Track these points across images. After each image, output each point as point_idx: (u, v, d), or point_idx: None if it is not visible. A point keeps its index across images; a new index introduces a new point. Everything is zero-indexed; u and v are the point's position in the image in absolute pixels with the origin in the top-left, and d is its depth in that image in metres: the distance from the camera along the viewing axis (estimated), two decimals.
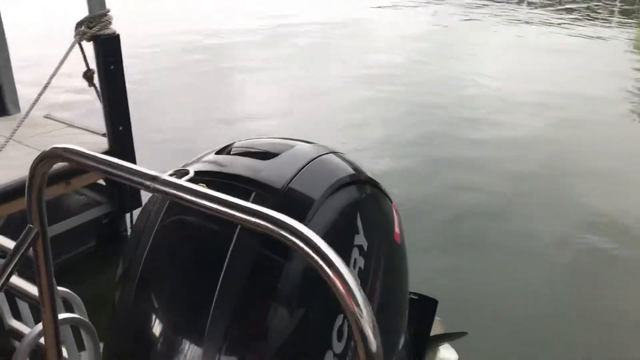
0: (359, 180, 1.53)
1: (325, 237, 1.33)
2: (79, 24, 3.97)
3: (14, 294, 2.25)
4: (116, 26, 4.17)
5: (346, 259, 1.40)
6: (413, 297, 2.29)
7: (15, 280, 2.18)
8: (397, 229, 1.67)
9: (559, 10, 14.96)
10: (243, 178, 1.36)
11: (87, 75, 4.29)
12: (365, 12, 14.31)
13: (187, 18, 13.56)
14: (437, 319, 3.38)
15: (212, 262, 1.30)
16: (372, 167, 5.80)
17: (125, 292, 1.40)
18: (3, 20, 5.31)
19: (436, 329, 3.25)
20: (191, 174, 1.16)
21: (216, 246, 1.31)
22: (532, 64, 10.20)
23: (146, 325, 1.34)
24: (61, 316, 1.98)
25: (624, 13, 14.92)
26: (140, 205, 4.77)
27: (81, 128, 5.16)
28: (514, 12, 14.58)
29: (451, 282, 4.31)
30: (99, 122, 4.74)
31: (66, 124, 5.32)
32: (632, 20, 14.14)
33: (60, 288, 2.26)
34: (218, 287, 1.27)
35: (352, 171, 1.52)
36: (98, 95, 4.45)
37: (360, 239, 1.44)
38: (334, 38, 11.99)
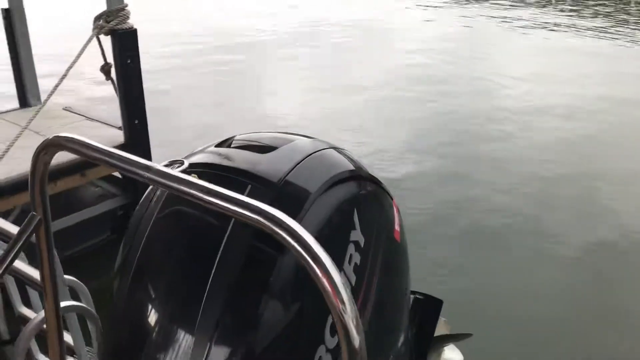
0: (358, 177, 1.52)
1: (319, 232, 1.35)
2: (97, 18, 4.02)
3: (23, 281, 2.29)
4: (134, 20, 4.22)
5: (341, 254, 1.40)
6: (418, 296, 2.28)
7: (25, 267, 2.21)
8: (397, 227, 1.66)
9: (586, 12, 14.70)
10: (239, 171, 1.37)
11: (105, 69, 4.34)
12: (389, 12, 14.22)
13: (205, 18, 13.64)
14: (442, 319, 3.37)
15: (206, 253, 1.31)
16: (394, 168, 5.82)
17: (122, 281, 1.42)
18: (26, 14, 5.41)
19: (441, 330, 3.23)
20: (185, 165, 1.18)
21: (210, 238, 1.32)
22: (561, 67, 10.04)
23: (141, 314, 1.36)
24: (64, 303, 2.02)
25: None
26: None
27: (99, 121, 5.23)
28: (541, 15, 14.34)
29: (462, 283, 4.29)
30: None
31: (84, 116, 5.40)
32: None
33: (67, 276, 2.30)
34: (211, 278, 1.28)
35: (351, 167, 1.52)
36: (115, 89, 4.51)
37: (356, 235, 1.43)
38: (362, 39, 11.93)
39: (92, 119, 5.28)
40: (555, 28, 12.93)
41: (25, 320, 2.61)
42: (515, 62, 10.44)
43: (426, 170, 6.29)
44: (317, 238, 0.99)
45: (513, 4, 15.33)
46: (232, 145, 1.51)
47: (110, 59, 4.37)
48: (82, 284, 2.36)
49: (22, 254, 2.35)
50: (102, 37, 4.17)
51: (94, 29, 4.01)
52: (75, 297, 2.36)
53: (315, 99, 8.47)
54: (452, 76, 9.41)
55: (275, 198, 1.32)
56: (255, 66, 10.30)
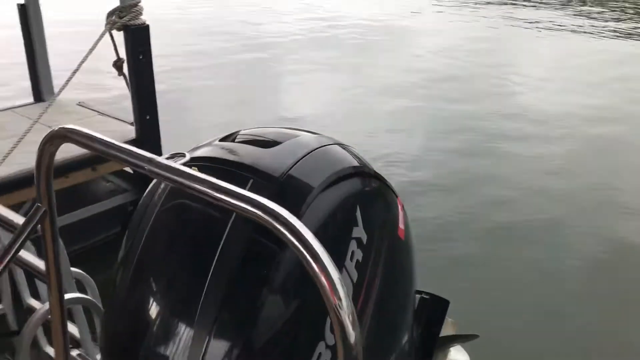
0: (362, 173, 1.51)
1: (321, 227, 1.34)
2: (110, 14, 4.05)
3: (31, 272, 2.31)
4: (146, 17, 4.24)
5: (343, 251, 1.39)
6: (424, 296, 2.27)
7: (33, 259, 2.23)
8: (401, 225, 1.65)
9: (608, 14, 14.42)
10: (242, 165, 1.37)
11: (117, 65, 4.37)
12: (407, 14, 14.12)
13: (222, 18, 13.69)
14: (449, 320, 3.35)
15: (207, 247, 1.31)
16: (405, 167, 5.79)
17: (124, 274, 1.43)
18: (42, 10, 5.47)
19: (448, 330, 3.21)
20: (187, 157, 1.18)
21: (211, 232, 1.32)
22: (585, 70, 9.79)
23: (141, 306, 1.37)
24: (70, 295, 2.03)
25: None
26: None
27: (111, 116, 5.27)
28: (565, 16, 14.09)
29: (470, 284, 4.27)
30: None
31: (97, 111, 5.44)
32: None
33: (74, 269, 2.32)
34: (211, 272, 1.28)
35: (355, 163, 1.51)
36: (127, 85, 4.53)
37: (359, 232, 1.43)
38: (380, 39, 11.86)
39: (105, 115, 5.32)
40: (579, 30, 12.68)
41: (32, 311, 2.63)
42: (539, 64, 10.25)
43: (438, 170, 6.27)
44: (318, 234, 0.98)
45: (534, 4, 15.14)
46: (236, 140, 1.50)
47: (122, 54, 4.39)
48: (89, 277, 2.38)
49: (31, 246, 2.38)
50: (114, 32, 4.19)
51: (106, 24, 4.04)
52: (82, 290, 2.38)
53: (332, 99, 8.44)
54: (471, 78, 9.29)
55: (277, 192, 1.31)
56: (275, 64, 10.30)
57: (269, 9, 14.36)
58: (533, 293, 4.22)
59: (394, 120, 7.69)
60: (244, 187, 1.06)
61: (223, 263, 1.28)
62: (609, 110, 8.03)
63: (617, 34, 12.41)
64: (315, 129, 1.63)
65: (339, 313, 0.94)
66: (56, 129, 1.37)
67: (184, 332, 1.28)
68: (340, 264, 1.36)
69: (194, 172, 1.08)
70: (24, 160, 4.02)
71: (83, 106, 5.60)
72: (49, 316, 1.91)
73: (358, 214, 1.43)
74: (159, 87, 4.67)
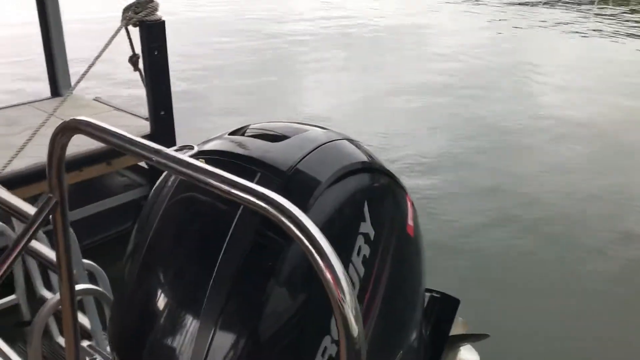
0: (371, 169, 1.51)
1: (328, 222, 1.34)
2: (126, 9, 4.08)
3: (43, 264, 2.34)
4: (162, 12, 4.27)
5: (350, 246, 1.39)
6: (435, 295, 2.26)
7: (46, 250, 2.26)
8: (410, 222, 1.64)
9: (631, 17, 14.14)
10: (250, 158, 1.37)
11: (133, 60, 4.40)
12: (424, 14, 14.00)
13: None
14: (460, 319, 3.33)
15: (214, 240, 1.31)
16: (419, 165, 5.75)
17: (132, 265, 1.44)
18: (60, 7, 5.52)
19: (459, 330, 3.20)
20: (195, 150, 1.18)
21: (219, 225, 1.33)
22: (606, 75, 9.58)
23: (148, 298, 1.38)
24: (80, 286, 2.06)
25: None
26: None
27: (127, 112, 5.31)
28: (584, 20, 13.83)
29: (481, 283, 4.24)
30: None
31: (113, 107, 5.50)
32: None
33: (86, 261, 2.35)
34: (217, 264, 1.28)
35: (364, 158, 1.51)
36: (142, 80, 4.57)
37: (366, 227, 1.42)
38: (399, 39, 11.79)
39: (121, 110, 5.37)
40: (602, 31, 12.43)
41: (45, 302, 2.67)
42: (561, 65, 10.06)
43: (453, 169, 6.25)
44: (325, 228, 0.98)
45: (553, 4, 14.92)
46: (245, 134, 1.51)
47: (138, 50, 4.42)
48: (100, 269, 2.40)
49: (44, 238, 2.41)
50: (130, 28, 4.22)
51: (122, 19, 4.07)
52: (94, 282, 2.40)
53: (350, 98, 8.41)
54: (490, 81, 9.15)
55: (285, 186, 1.31)
56: (294, 63, 10.30)
57: (289, 8, 14.37)
58: (546, 294, 4.19)
59: (414, 119, 7.65)
60: (251, 181, 1.06)
61: (230, 256, 1.28)
62: (634, 113, 7.87)
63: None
64: (334, 127, 1.62)
65: (343, 307, 0.94)
66: (68, 120, 1.38)
67: (191, 324, 1.29)
68: (346, 259, 1.35)
69: (201, 164, 1.09)
70: (39, 153, 4.08)
71: (99, 101, 5.66)
72: (60, 306, 1.93)
73: (366, 209, 1.43)
74: (179, 83, 4.67)
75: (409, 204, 1.66)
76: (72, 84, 5.61)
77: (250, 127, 1.55)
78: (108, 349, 2.32)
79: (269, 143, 1.42)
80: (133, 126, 4.76)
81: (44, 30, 5.54)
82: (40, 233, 2.39)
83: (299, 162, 1.37)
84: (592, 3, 15.42)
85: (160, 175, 1.49)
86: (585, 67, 10.04)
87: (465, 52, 10.74)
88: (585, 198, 5.61)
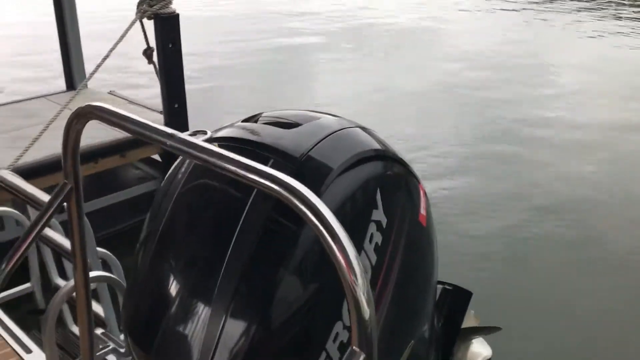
0: (383, 157, 1.51)
1: (340, 208, 1.34)
2: (140, 2, 4.10)
3: (58, 252, 2.37)
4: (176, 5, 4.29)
5: (362, 233, 1.39)
6: (447, 287, 2.25)
7: (60, 239, 2.28)
8: (422, 211, 1.64)
9: None
10: (262, 144, 1.38)
11: (147, 53, 4.43)
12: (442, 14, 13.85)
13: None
14: (472, 312, 3.32)
15: (226, 226, 1.32)
16: (434, 160, 5.70)
17: (145, 252, 1.45)
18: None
19: (471, 323, 3.19)
20: (208, 135, 1.18)
21: (231, 211, 1.33)
22: (622, 78, 9.33)
23: (160, 283, 1.39)
24: (94, 273, 2.07)
25: None
26: None
27: (140, 105, 5.35)
28: (603, 20, 13.54)
29: (494, 276, 4.24)
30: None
31: (127, 100, 5.53)
32: None
33: (100, 249, 2.37)
34: (229, 251, 1.29)
35: (377, 146, 1.50)
36: (156, 73, 4.59)
37: (378, 215, 1.42)
38: (414, 39, 11.68)
39: (135, 103, 5.40)
40: (620, 33, 12.17)
41: None
42: (576, 67, 9.81)
43: (468, 165, 6.22)
44: (337, 214, 0.98)
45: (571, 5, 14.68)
46: (258, 121, 1.51)
47: (152, 43, 4.45)
48: (114, 257, 2.42)
49: (59, 228, 2.43)
50: (145, 21, 4.24)
51: (137, 12, 4.10)
52: (108, 271, 2.42)
53: (363, 98, 8.35)
54: (504, 83, 9.00)
55: (297, 172, 1.31)
56: (309, 61, 10.28)
57: (303, 7, 14.33)
58: (559, 288, 4.17)
59: (424, 120, 7.58)
60: None
61: (242, 242, 1.29)
62: None
63: None
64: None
65: (355, 290, 0.94)
66: (83, 106, 1.39)
67: (203, 310, 1.29)
68: (358, 246, 1.35)
69: (214, 147, 1.09)
70: (54, 145, 4.12)
71: (113, 94, 5.70)
72: (74, 293, 1.95)
73: (378, 196, 1.43)
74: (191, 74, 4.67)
75: (421, 193, 1.66)
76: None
77: (263, 115, 1.55)
78: (122, 337, 2.34)
79: (282, 130, 1.43)
80: (147, 119, 4.78)
81: (59, 23, 5.58)
82: (56, 223, 2.42)
83: (312, 148, 1.37)
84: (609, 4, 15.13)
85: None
86: (600, 69, 9.82)
87: (480, 52, 10.62)
88: (601, 193, 5.56)
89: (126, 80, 8.41)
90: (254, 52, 10.70)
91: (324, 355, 1.32)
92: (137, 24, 4.18)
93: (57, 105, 5.08)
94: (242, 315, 1.29)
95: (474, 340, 3.13)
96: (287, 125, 1.45)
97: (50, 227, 2.32)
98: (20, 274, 2.80)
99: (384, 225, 1.43)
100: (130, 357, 2.26)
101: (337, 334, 1.33)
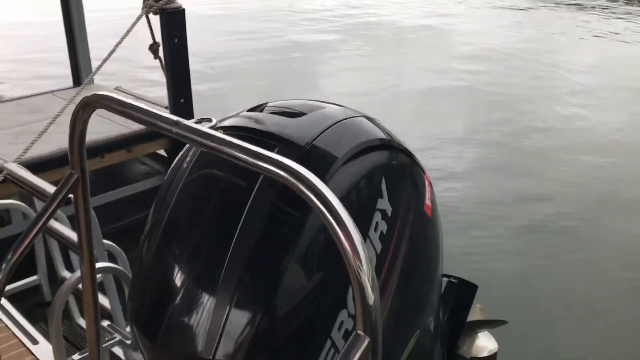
0: (388, 146, 1.51)
1: (344, 197, 1.34)
2: None
3: (64, 244, 2.38)
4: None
5: (367, 221, 1.39)
6: (452, 280, 2.25)
7: (66, 231, 2.29)
8: (427, 201, 1.64)
9: None
10: (268, 133, 1.38)
11: (153, 48, 4.42)
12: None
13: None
14: (477, 305, 3.32)
15: (231, 215, 1.32)
16: (441, 154, 5.68)
17: (151, 242, 1.45)
18: None
19: (476, 316, 3.18)
20: (213, 122, 1.18)
21: (236, 200, 1.34)
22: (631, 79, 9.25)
23: (166, 274, 1.39)
24: (100, 264, 2.08)
25: None
26: None
27: (147, 100, 5.36)
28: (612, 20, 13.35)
29: (500, 269, 4.23)
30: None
31: (134, 95, 5.56)
32: None
33: (106, 241, 2.38)
34: (234, 239, 1.29)
35: (382, 136, 1.50)
36: (162, 68, 4.59)
37: (383, 204, 1.42)
38: (422, 38, 11.62)
39: (141, 98, 5.42)
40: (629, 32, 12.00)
41: None
42: (585, 68, 9.66)
43: (475, 160, 6.21)
44: (342, 202, 0.98)
45: (579, 4, 14.51)
46: (263, 111, 1.51)
47: (158, 38, 4.45)
48: (120, 249, 2.43)
49: (66, 221, 2.45)
50: (151, 16, 4.25)
51: (143, 7, 4.10)
52: (114, 263, 2.43)
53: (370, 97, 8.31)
54: (515, 84, 8.90)
55: (302, 161, 1.30)
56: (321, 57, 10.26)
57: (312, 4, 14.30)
58: (565, 282, 4.16)
59: (432, 119, 7.54)
60: None
61: (247, 231, 1.29)
62: None
63: None
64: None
65: (359, 276, 0.94)
66: (89, 95, 1.40)
67: (208, 298, 1.30)
68: (363, 234, 1.35)
69: (220, 134, 1.09)
70: (61, 139, 4.13)
71: (120, 90, 5.72)
72: (80, 285, 1.96)
73: (383, 186, 1.42)
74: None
75: (426, 183, 1.66)
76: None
77: (269, 104, 1.55)
78: (127, 329, 2.36)
79: (287, 119, 1.43)
80: None
81: (66, 20, 5.60)
82: (63, 216, 2.44)
83: (317, 137, 1.37)
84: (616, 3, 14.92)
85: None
86: (610, 69, 9.68)
87: (490, 52, 10.52)
88: (608, 190, 5.54)
89: (133, 78, 8.44)
90: (260, 48, 10.70)
91: (328, 343, 1.33)
92: (143, 19, 4.18)
93: (64, 100, 5.10)
94: (247, 304, 1.29)
95: (479, 334, 3.12)
96: (292, 115, 1.45)
97: (56, 219, 2.34)
98: (27, 267, 2.83)
99: (389, 214, 1.43)
100: (136, 349, 2.28)
101: (341, 322, 1.33)
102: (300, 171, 0.99)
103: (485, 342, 3.22)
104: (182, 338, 1.32)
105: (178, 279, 1.37)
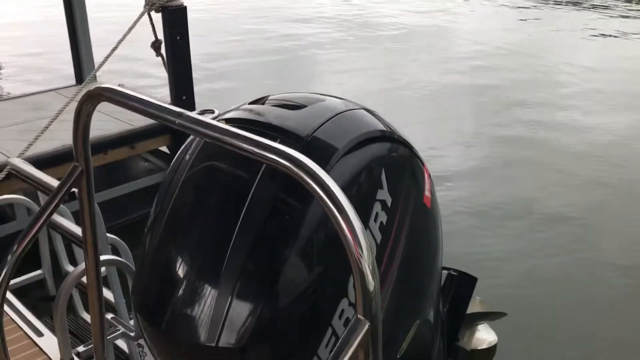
0: (388, 138, 1.53)
1: (344, 187, 1.36)
2: None
3: (68, 238, 2.40)
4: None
5: (367, 212, 1.41)
6: (452, 272, 2.27)
7: (71, 225, 2.32)
8: (427, 193, 1.66)
9: None
10: (269, 125, 1.40)
11: (155, 46, 4.44)
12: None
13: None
14: (477, 298, 3.34)
15: (234, 206, 1.34)
16: (445, 152, 5.66)
17: (154, 233, 1.47)
18: None
19: (476, 308, 3.20)
20: (216, 114, 1.20)
21: (238, 191, 1.36)
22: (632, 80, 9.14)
23: (169, 264, 1.41)
24: (104, 257, 2.11)
25: None
26: None
27: (149, 97, 5.38)
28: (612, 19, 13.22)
29: (500, 263, 4.25)
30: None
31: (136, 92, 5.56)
32: None
33: (109, 235, 2.40)
34: (236, 230, 1.31)
35: (382, 127, 1.53)
36: (165, 66, 4.61)
37: (383, 194, 1.44)
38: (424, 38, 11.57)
39: (144, 95, 5.43)
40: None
41: None
42: (586, 69, 9.56)
43: (476, 156, 6.23)
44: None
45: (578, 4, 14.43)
46: (264, 103, 1.54)
47: (161, 35, 4.47)
48: (123, 243, 2.45)
49: (70, 216, 2.47)
50: (153, 14, 4.27)
51: (145, 5, 4.12)
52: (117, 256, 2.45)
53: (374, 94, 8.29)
54: (517, 84, 8.85)
55: (302, 152, 1.33)
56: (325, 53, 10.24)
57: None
58: (564, 275, 4.17)
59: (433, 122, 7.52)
60: None
61: (248, 222, 1.31)
62: None
63: None
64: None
65: (360, 262, 0.95)
66: (92, 88, 1.42)
67: (211, 288, 1.32)
68: (363, 225, 1.37)
69: (222, 124, 1.11)
70: (64, 137, 4.17)
71: (122, 87, 5.73)
72: (84, 278, 1.98)
73: (383, 177, 1.45)
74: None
75: (426, 175, 1.68)
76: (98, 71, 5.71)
77: (270, 97, 1.57)
78: (131, 322, 2.38)
79: (288, 111, 1.45)
80: None
81: (69, 18, 5.62)
82: (67, 211, 2.46)
83: (317, 129, 1.39)
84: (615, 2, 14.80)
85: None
86: (609, 69, 9.62)
87: (494, 52, 10.48)
88: (602, 188, 5.54)
89: (136, 76, 8.46)
90: (263, 47, 10.71)
91: (330, 331, 1.35)
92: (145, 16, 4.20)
93: (66, 98, 5.13)
94: (249, 293, 1.31)
95: (479, 326, 3.15)
96: (293, 107, 1.47)
97: (60, 214, 2.36)
98: (31, 262, 2.85)
99: (389, 204, 1.45)
100: (140, 341, 2.30)
101: (342, 310, 1.35)
102: (302, 160, 1.00)
103: (485, 334, 3.25)
104: (186, 326, 1.35)
105: (181, 269, 1.39)
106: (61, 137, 4.17)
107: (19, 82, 8.68)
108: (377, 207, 1.42)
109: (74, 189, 1.52)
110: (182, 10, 4.36)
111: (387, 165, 1.47)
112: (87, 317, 3.00)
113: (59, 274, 2.92)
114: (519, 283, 4.03)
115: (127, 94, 1.32)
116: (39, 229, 1.53)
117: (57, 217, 2.28)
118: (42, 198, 2.65)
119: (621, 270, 4.27)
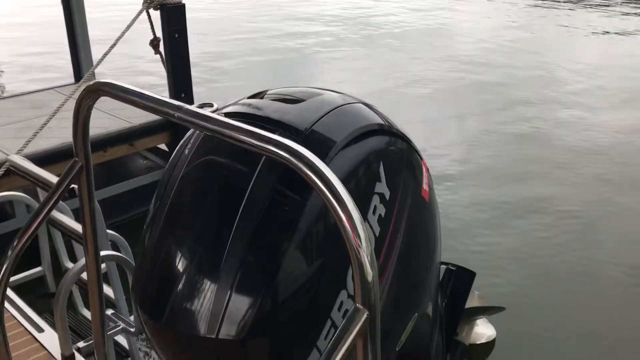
0: (387, 132, 1.54)
1: (342, 180, 1.36)
2: None
3: (68, 235, 2.41)
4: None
5: (365, 204, 1.42)
6: (451, 267, 2.28)
7: (70, 222, 2.32)
8: (425, 186, 1.67)
9: None
10: (268, 119, 1.41)
11: (153, 44, 4.44)
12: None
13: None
14: (476, 293, 3.35)
15: (232, 200, 1.35)
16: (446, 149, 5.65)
17: (154, 227, 1.48)
18: None
19: (475, 303, 3.22)
20: (215, 107, 1.21)
21: (237, 185, 1.36)
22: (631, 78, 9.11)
23: (169, 258, 1.42)
24: (104, 253, 2.11)
25: None
26: None
27: None
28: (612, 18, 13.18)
29: (499, 258, 4.26)
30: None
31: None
32: None
33: (109, 231, 2.41)
34: (235, 223, 1.32)
35: (380, 121, 1.53)
36: (163, 63, 4.61)
37: (382, 187, 1.45)
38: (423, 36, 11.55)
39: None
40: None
41: None
42: (585, 69, 9.51)
43: (477, 154, 6.24)
44: None
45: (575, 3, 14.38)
46: (263, 98, 1.54)
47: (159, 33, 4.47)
48: (123, 239, 2.46)
49: (69, 211, 2.47)
50: (151, 11, 4.27)
51: (144, 2, 4.11)
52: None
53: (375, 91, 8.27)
54: (518, 84, 8.82)
55: (302, 144, 1.34)
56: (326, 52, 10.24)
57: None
58: (563, 271, 4.18)
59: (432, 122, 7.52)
60: None
61: (247, 215, 1.32)
62: None
63: None
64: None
65: (359, 253, 0.96)
66: (91, 83, 1.42)
67: (210, 282, 1.33)
68: (362, 218, 1.38)
69: (221, 117, 1.11)
70: (63, 134, 4.18)
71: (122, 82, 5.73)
72: (84, 274, 1.99)
73: (381, 170, 1.46)
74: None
75: (424, 169, 1.69)
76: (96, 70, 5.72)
77: (269, 91, 1.58)
78: (131, 318, 2.39)
79: (287, 105, 1.46)
80: None
81: (67, 16, 5.62)
82: (67, 207, 2.47)
83: (316, 122, 1.40)
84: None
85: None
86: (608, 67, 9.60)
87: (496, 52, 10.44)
88: (604, 185, 5.55)
89: (134, 74, 8.46)
90: (264, 46, 10.71)
91: (329, 323, 1.36)
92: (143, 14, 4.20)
93: (65, 96, 5.13)
94: (249, 285, 1.32)
95: (478, 321, 3.16)
96: (291, 101, 1.48)
97: (60, 211, 2.36)
98: (31, 259, 2.86)
99: (387, 197, 1.46)
100: (140, 336, 2.31)
101: (341, 302, 1.36)
102: (301, 151, 1.01)
103: (483, 328, 3.27)
104: (187, 319, 1.35)
105: (181, 263, 1.40)
106: (60, 134, 4.18)
107: (17, 80, 8.68)
108: (376, 199, 1.43)
109: (73, 185, 1.52)
110: (181, 7, 4.37)
111: (386, 159, 1.48)
112: (87, 313, 3.01)
113: (58, 271, 2.92)
114: (517, 278, 4.04)
115: (126, 88, 1.32)
116: (38, 225, 1.54)
117: (56, 214, 2.29)
118: (42, 195, 2.66)
119: (621, 265, 4.28)
